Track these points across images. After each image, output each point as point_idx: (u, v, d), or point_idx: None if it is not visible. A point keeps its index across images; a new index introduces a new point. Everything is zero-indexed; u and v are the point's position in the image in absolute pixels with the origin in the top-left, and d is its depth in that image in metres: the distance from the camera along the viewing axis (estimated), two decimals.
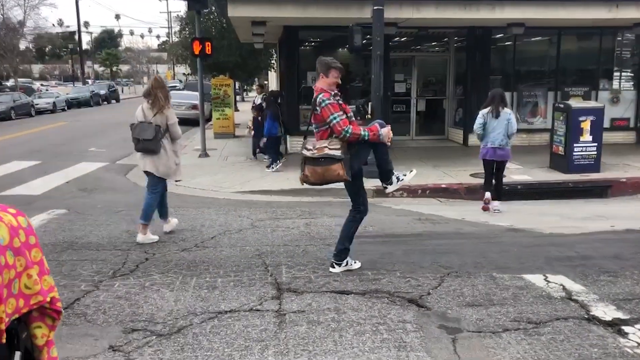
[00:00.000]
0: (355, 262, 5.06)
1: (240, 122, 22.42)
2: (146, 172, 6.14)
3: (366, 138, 4.60)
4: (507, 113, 7.75)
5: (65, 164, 12.69)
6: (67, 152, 14.98)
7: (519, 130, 14.02)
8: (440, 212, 7.83)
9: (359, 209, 4.90)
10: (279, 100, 12.42)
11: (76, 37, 54.78)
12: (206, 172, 11.51)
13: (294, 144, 13.42)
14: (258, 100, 14.02)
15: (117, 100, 44.69)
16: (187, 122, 22.39)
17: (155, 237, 6.09)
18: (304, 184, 4.76)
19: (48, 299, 2.05)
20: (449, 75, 14.95)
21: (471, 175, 10.42)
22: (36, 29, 37.78)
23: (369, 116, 10.27)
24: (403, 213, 7.69)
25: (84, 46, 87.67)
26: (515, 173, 10.64)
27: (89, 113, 31.90)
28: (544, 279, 4.66)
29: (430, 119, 15.33)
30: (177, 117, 6.18)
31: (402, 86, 14.69)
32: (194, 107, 22.81)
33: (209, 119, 19.59)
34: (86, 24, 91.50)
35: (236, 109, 30.66)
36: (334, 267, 4.96)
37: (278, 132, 11.45)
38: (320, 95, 4.66)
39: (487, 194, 7.94)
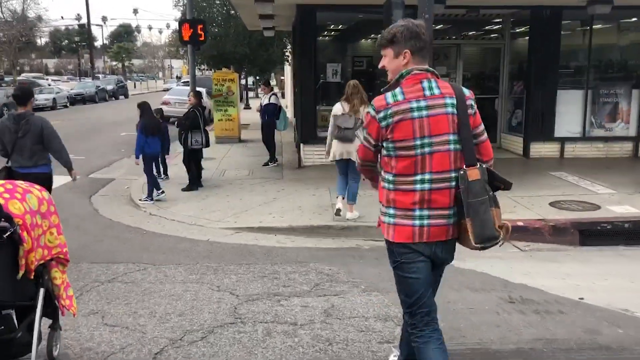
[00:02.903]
0: None
1: (250, 122, 19.70)
2: (343, 160, 6.62)
3: None
4: None
5: None
6: None
7: (594, 139, 11.27)
8: (535, 279, 4.99)
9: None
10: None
11: (93, 30, 52.67)
12: (193, 194, 8.78)
13: (308, 153, 10.65)
14: (265, 101, 11.30)
15: (126, 96, 42.31)
16: None
17: (357, 214, 6.79)
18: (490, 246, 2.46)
19: (64, 251, 3.13)
20: (502, 69, 12.01)
21: (552, 205, 7.54)
22: (37, 19, 35.65)
23: None
24: (477, 280, 4.88)
25: (102, 41, 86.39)
26: (611, 202, 7.72)
27: (90, 110, 29.51)
28: None
29: None
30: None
31: None
32: None
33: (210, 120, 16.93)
34: (104, 19, 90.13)
35: (247, 106, 27.99)
36: None
37: (157, 149, 8.55)
38: (465, 89, 2.68)
39: None
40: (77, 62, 58.34)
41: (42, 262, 2.93)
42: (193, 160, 9.11)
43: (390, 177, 2.53)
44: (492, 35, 12.44)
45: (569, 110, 10.88)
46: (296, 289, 4.68)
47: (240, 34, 17.18)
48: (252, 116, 21.94)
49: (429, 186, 2.45)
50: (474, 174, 2.43)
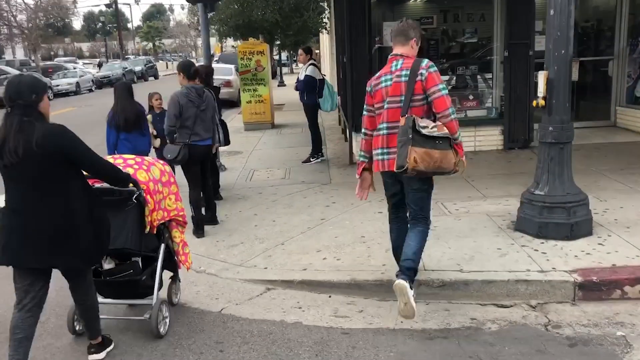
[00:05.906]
0: None
1: (285, 101, 17.08)
2: None
3: (459, 140, 3.59)
4: None
5: None
6: None
7: None
8: None
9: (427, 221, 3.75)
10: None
11: (125, 12, 50.84)
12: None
13: None
14: (302, 74, 8.58)
15: (156, 77, 40.23)
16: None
17: None
18: (405, 172, 3.45)
19: (180, 214, 3.78)
20: (620, 21, 8.91)
21: None
22: (72, 3, 34.11)
23: (542, 102, 4.66)
24: None
25: (134, 23, 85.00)
26: None
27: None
28: None
29: (585, 93, 9.39)
30: None
31: (543, 41, 8.80)
32: (227, 84, 17.61)
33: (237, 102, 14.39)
34: (136, 0, 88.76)
35: (281, 83, 25.25)
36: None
37: (140, 149, 5.73)
38: (426, 61, 3.57)
39: None
40: (105, 45, 56.51)
41: (162, 222, 3.64)
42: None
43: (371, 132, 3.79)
44: None
45: None
46: None
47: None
48: (286, 93, 19.31)
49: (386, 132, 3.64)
50: (401, 121, 3.48)
